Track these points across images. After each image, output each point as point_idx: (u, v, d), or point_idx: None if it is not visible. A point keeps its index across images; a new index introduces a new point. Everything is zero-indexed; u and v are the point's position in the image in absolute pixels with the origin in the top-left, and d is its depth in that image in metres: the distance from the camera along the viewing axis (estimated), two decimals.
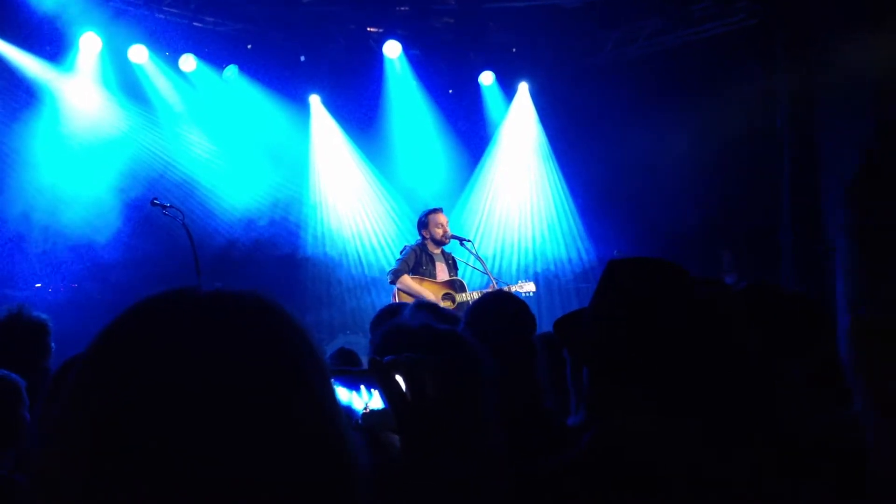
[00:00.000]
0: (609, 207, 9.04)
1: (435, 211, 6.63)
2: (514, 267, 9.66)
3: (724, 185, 8.31)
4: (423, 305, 2.86)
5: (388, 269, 6.80)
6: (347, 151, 9.62)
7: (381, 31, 9.09)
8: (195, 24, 8.34)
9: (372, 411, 1.28)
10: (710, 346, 1.25)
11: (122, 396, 0.70)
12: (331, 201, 9.52)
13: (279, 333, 0.78)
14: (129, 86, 8.20)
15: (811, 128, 7.77)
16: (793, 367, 1.82)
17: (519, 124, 9.91)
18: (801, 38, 7.76)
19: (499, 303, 2.72)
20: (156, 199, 5.74)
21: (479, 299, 2.85)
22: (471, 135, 9.88)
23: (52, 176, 7.50)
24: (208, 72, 8.55)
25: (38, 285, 7.32)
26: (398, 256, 6.64)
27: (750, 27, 8.30)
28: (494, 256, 9.55)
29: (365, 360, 1.39)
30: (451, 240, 6.61)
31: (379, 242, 9.61)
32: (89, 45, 7.76)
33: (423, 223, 6.59)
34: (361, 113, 9.45)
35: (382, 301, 8.07)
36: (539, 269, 9.67)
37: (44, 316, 3.41)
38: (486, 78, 9.62)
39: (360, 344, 6.93)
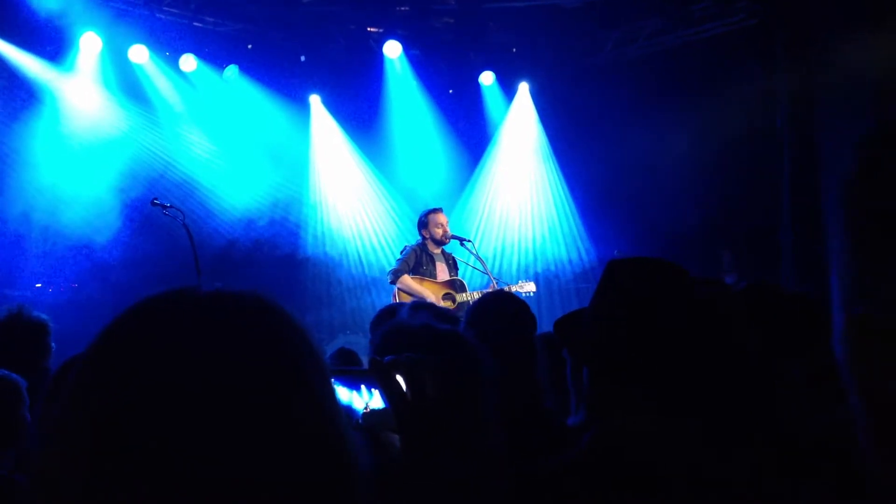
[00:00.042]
0: (609, 207, 9.04)
1: (435, 211, 6.63)
2: (514, 267, 9.66)
3: (724, 185, 8.31)
4: (420, 306, 2.86)
5: (388, 269, 6.80)
6: (347, 151, 9.62)
7: (381, 31, 9.09)
8: (195, 24, 8.34)
9: (372, 411, 1.28)
10: (710, 346, 1.25)
11: (122, 396, 0.70)
12: (331, 201, 9.52)
13: (279, 333, 0.78)
14: (129, 86, 8.20)
15: (811, 128, 7.77)
16: (793, 367, 1.82)
17: (519, 124, 9.91)
18: (801, 38, 7.76)
19: (499, 303, 2.72)
20: (156, 199, 5.74)
21: (480, 299, 2.85)
22: (471, 135, 9.88)
23: (52, 176, 7.50)
24: (208, 72, 8.55)
25: (39, 285, 7.32)
26: (398, 256, 6.64)
27: (750, 27, 8.30)
28: (494, 256, 9.55)
29: (365, 360, 1.39)
30: (452, 240, 6.61)
31: (379, 242, 9.61)
32: (89, 45, 7.76)
33: (423, 223, 6.59)
34: (361, 113, 9.45)
35: (382, 301, 8.07)
36: (539, 269, 9.68)
37: (44, 316, 3.41)
38: (486, 78, 9.62)
39: (361, 344, 6.93)
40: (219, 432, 0.70)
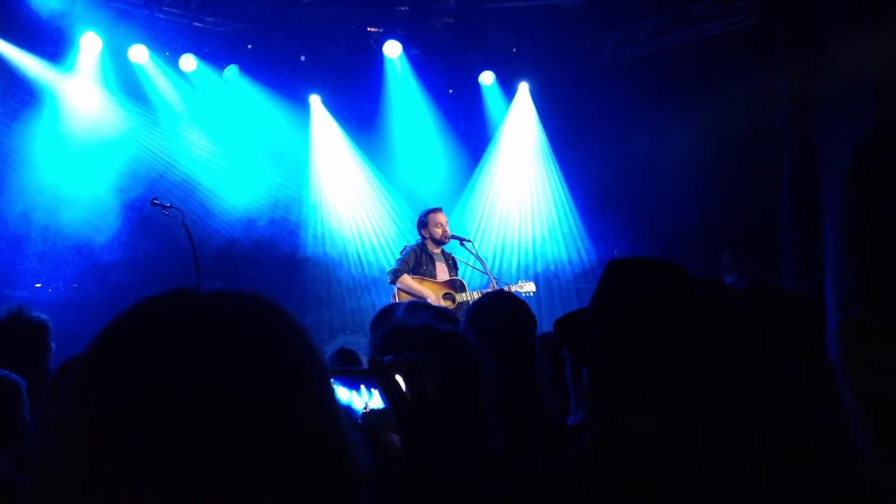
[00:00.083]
0: (609, 207, 9.04)
1: (434, 210, 6.62)
2: (514, 267, 9.66)
3: (724, 185, 8.31)
4: (416, 306, 2.86)
5: (388, 269, 6.80)
6: (347, 151, 9.62)
7: (381, 31, 9.09)
8: (195, 24, 8.34)
9: (372, 411, 1.28)
10: (710, 346, 1.25)
11: (122, 396, 0.70)
12: (331, 201, 9.52)
13: (279, 333, 0.78)
14: (129, 86, 8.20)
15: (811, 128, 7.77)
16: (793, 367, 1.82)
17: (519, 124, 9.91)
18: (801, 38, 7.77)
19: (499, 303, 2.72)
20: (156, 198, 5.73)
21: (480, 299, 2.85)
22: (471, 135, 9.88)
23: (52, 176, 7.50)
24: (208, 72, 8.55)
25: (38, 285, 7.32)
26: (398, 256, 6.64)
27: (750, 27, 8.30)
28: (494, 256, 9.55)
29: (365, 360, 1.39)
30: (451, 240, 6.61)
31: (379, 242, 9.61)
32: (89, 45, 7.76)
33: (423, 223, 6.58)
34: (361, 113, 9.45)
35: (382, 301, 8.07)
36: (539, 269, 9.68)
37: (44, 316, 3.41)
38: (486, 78, 9.62)
39: (360, 344, 6.93)
40: (219, 432, 0.70)
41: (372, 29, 9.09)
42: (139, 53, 8.11)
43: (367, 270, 9.48)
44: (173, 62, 8.37)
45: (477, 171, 10.02)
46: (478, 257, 6.54)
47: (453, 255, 6.81)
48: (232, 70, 8.58)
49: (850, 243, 0.61)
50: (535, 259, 9.79)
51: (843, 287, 0.61)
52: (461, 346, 1.44)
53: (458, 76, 9.62)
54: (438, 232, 6.48)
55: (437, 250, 6.60)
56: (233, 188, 8.70)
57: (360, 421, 1.29)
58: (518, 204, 9.92)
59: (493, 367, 1.45)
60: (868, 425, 0.60)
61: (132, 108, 8.29)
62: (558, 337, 1.56)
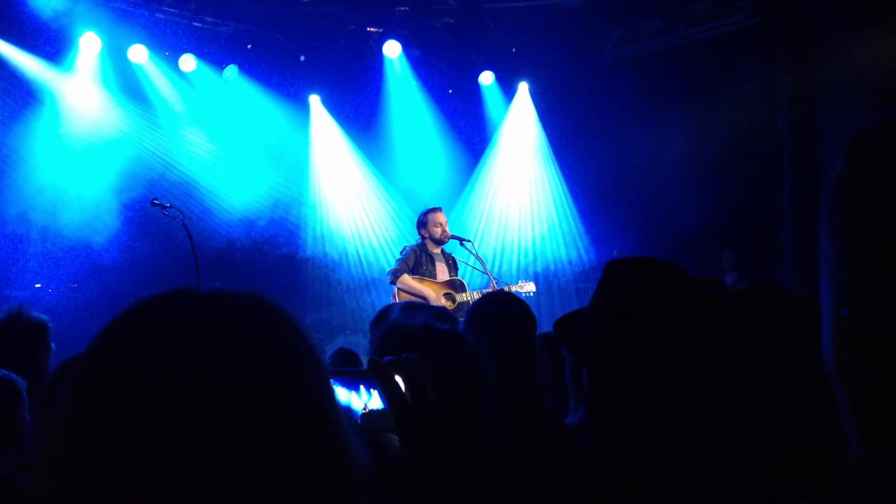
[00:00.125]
0: (609, 207, 9.04)
1: (434, 210, 6.62)
2: (514, 267, 9.66)
3: (725, 185, 8.31)
4: (412, 306, 2.85)
5: (388, 269, 6.79)
6: (347, 151, 9.62)
7: (381, 31, 9.09)
8: (195, 24, 8.34)
9: (371, 411, 1.28)
10: (710, 346, 1.25)
11: (122, 396, 0.70)
12: (331, 201, 9.52)
13: (279, 333, 0.78)
14: (129, 86, 8.20)
15: (811, 128, 7.78)
16: (793, 366, 1.82)
17: (519, 124, 9.91)
18: (802, 37, 7.77)
19: (499, 303, 2.72)
20: (156, 199, 5.73)
21: (480, 299, 2.85)
22: (471, 135, 9.88)
23: (52, 176, 7.50)
24: (208, 72, 8.55)
25: (38, 286, 7.32)
26: (398, 257, 6.63)
27: (750, 27, 8.31)
28: (494, 256, 9.55)
29: (365, 361, 1.39)
30: (451, 240, 6.60)
31: (379, 242, 9.61)
32: (89, 45, 7.76)
33: (422, 222, 6.58)
34: (361, 113, 9.44)
35: (382, 301, 8.07)
36: (539, 269, 9.68)
37: (44, 316, 3.40)
38: (486, 78, 9.62)
39: (361, 344, 6.93)
40: (218, 432, 0.70)
41: (372, 29, 9.09)
42: (139, 53, 8.11)
43: (366, 270, 9.48)
44: (173, 62, 8.37)
45: (477, 171, 10.02)
46: (478, 257, 6.54)
47: (453, 255, 6.80)
48: (231, 70, 8.58)
49: (843, 244, 0.61)
50: (535, 259, 9.79)
51: (836, 288, 0.61)
52: (461, 347, 1.44)
53: (457, 76, 9.62)
54: (438, 231, 6.48)
55: (437, 250, 6.59)
56: (233, 188, 8.70)
57: (359, 421, 1.29)
58: (518, 204, 9.92)
59: (493, 367, 1.45)
60: (860, 427, 0.60)
61: (132, 109, 8.28)
62: (558, 337, 1.56)
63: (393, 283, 6.40)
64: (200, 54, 8.39)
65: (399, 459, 1.24)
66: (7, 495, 1.99)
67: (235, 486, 0.69)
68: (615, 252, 8.30)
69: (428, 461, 1.19)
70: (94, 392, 0.72)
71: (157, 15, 8.02)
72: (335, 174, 9.56)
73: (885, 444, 0.58)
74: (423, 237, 6.57)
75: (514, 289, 6.46)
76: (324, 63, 9.01)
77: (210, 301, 0.78)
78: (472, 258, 6.57)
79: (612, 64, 9.32)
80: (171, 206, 5.68)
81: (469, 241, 6.63)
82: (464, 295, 6.45)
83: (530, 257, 9.80)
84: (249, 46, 8.66)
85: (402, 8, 8.86)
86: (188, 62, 8.36)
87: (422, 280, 6.41)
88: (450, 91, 9.74)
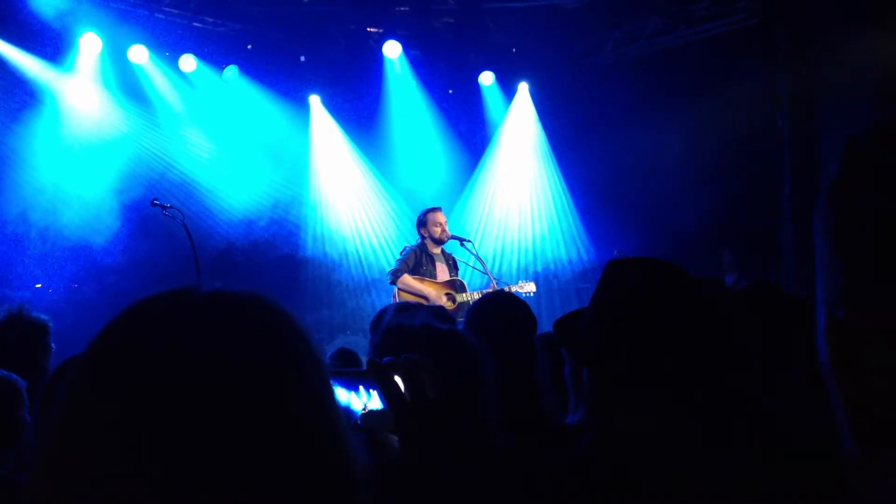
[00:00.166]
0: (609, 207, 9.04)
1: (433, 210, 6.61)
2: (513, 267, 9.66)
3: (725, 184, 8.31)
4: (406, 306, 2.85)
5: (388, 269, 6.79)
6: (347, 151, 9.62)
7: (381, 31, 9.09)
8: (195, 24, 8.34)
9: (370, 412, 1.28)
10: (710, 346, 1.25)
11: (122, 396, 0.70)
12: (331, 201, 9.52)
13: (279, 333, 0.78)
14: (129, 86, 8.20)
15: (811, 128, 7.78)
16: (793, 366, 1.82)
17: (519, 124, 9.91)
18: (802, 37, 7.77)
19: (499, 303, 2.71)
20: (156, 199, 5.73)
21: (480, 299, 2.85)
22: (471, 135, 9.88)
23: (52, 176, 7.50)
24: (208, 72, 8.55)
25: (38, 286, 7.32)
26: (398, 257, 6.63)
27: (750, 27, 8.31)
28: (494, 256, 9.55)
29: (365, 361, 1.39)
30: (451, 240, 6.60)
31: (379, 242, 9.61)
32: (89, 45, 7.76)
33: (422, 222, 6.57)
34: (361, 113, 9.45)
35: (382, 301, 8.07)
36: (539, 269, 9.68)
37: (44, 316, 3.40)
38: (486, 78, 9.62)
39: (361, 344, 6.93)
40: (218, 432, 0.70)
41: (372, 29, 9.09)
42: (139, 54, 8.11)
43: (367, 271, 9.48)
44: (173, 62, 8.37)
45: (477, 171, 10.02)
46: (478, 257, 6.54)
47: (453, 255, 6.80)
48: (232, 70, 8.58)
49: (837, 245, 0.61)
50: (535, 259, 9.79)
51: (831, 289, 0.61)
52: (461, 347, 1.44)
53: (458, 76, 9.62)
54: (437, 231, 6.47)
55: (437, 250, 6.59)
56: (233, 188, 8.70)
57: (358, 422, 1.29)
58: (518, 204, 9.92)
59: (493, 367, 1.45)
60: (854, 426, 0.60)
61: (132, 109, 8.28)
62: (558, 337, 1.56)
63: (393, 283, 6.40)
64: (200, 54, 8.40)
65: (399, 460, 1.24)
66: (7, 495, 1.99)
67: (235, 486, 0.69)
68: (615, 252, 8.30)
69: (428, 461, 1.19)
70: (94, 392, 0.72)
71: (157, 15, 8.02)
72: (335, 174, 9.56)
73: (880, 444, 0.58)
74: (422, 237, 6.57)
75: (514, 289, 6.46)
76: (324, 63, 9.01)
77: (210, 301, 0.78)
78: (473, 258, 6.57)
79: (612, 64, 9.33)
80: (171, 207, 5.68)
81: (469, 241, 6.63)
82: (464, 295, 6.45)
83: (530, 257, 9.80)
84: (249, 46, 8.66)
85: (402, 8, 8.86)
86: (188, 62, 8.37)
87: (422, 280, 6.40)
88: (450, 91, 9.75)
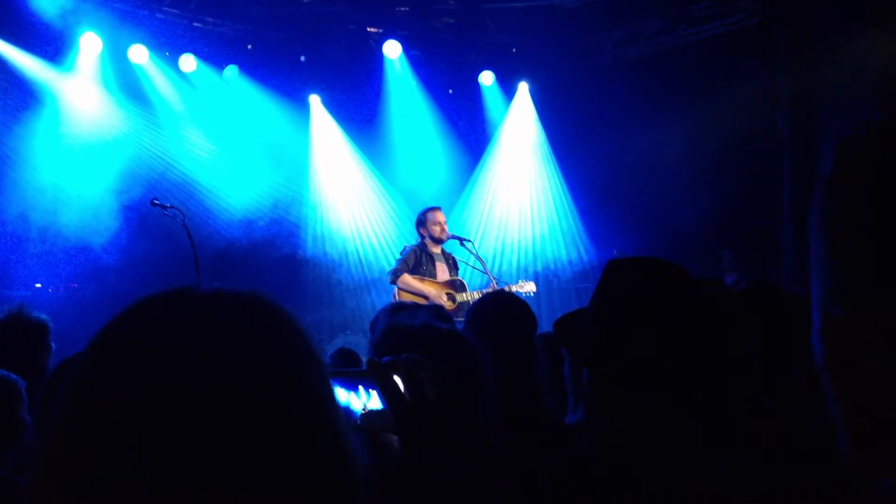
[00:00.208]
0: (609, 207, 9.04)
1: (433, 209, 6.61)
2: (513, 267, 9.67)
3: (725, 185, 8.31)
4: (401, 307, 2.85)
5: (388, 269, 6.79)
6: (347, 151, 9.62)
7: (381, 31, 9.09)
8: (195, 24, 8.34)
9: (370, 412, 1.28)
10: (710, 346, 1.25)
11: (122, 396, 0.70)
12: (331, 201, 9.53)
13: (279, 333, 0.78)
14: (129, 86, 8.20)
15: (811, 128, 7.78)
16: (793, 367, 1.82)
17: (519, 124, 9.92)
18: (802, 37, 7.77)
19: (499, 303, 2.71)
20: (156, 199, 5.73)
21: (480, 299, 2.84)
22: (471, 135, 9.88)
23: (52, 176, 7.50)
24: (208, 72, 8.55)
25: (38, 285, 7.32)
26: (398, 256, 6.63)
27: (750, 27, 8.31)
28: (494, 256, 9.55)
29: (365, 360, 1.39)
30: (451, 239, 6.60)
31: (379, 242, 9.61)
32: (89, 45, 7.76)
33: (421, 221, 6.57)
34: (361, 113, 9.45)
35: (382, 301, 8.06)
36: (539, 269, 9.68)
37: (44, 316, 3.40)
38: (486, 78, 9.62)
39: (361, 344, 6.93)
40: (218, 432, 0.70)
41: (372, 29, 9.09)
42: (139, 53, 8.11)
43: (367, 270, 9.48)
44: (173, 62, 8.37)
45: (477, 171, 10.02)
46: (478, 257, 6.54)
47: (453, 255, 6.80)
48: (232, 70, 8.58)
49: (831, 243, 0.61)
50: (535, 259, 9.79)
51: (826, 287, 0.61)
52: (461, 347, 1.44)
53: (458, 76, 9.62)
54: (437, 230, 6.47)
55: (437, 250, 6.58)
56: (233, 188, 8.70)
57: (358, 422, 1.28)
58: (518, 204, 9.92)
59: (493, 367, 1.45)
60: (849, 424, 0.60)
61: (132, 109, 8.29)
62: (558, 337, 1.56)
63: (393, 282, 6.40)
64: (200, 54, 8.40)
65: (398, 459, 1.24)
66: (7, 495, 1.99)
67: (235, 486, 0.69)
68: (615, 252, 8.30)
69: (427, 461, 1.19)
70: (94, 392, 0.72)
71: (157, 15, 8.03)
72: (335, 174, 9.56)
73: (875, 442, 0.58)
74: (421, 236, 6.57)
75: (514, 288, 6.46)
76: (324, 63, 9.01)
77: (210, 301, 0.78)
78: (473, 258, 6.57)
79: (612, 64, 9.33)
80: (171, 207, 5.68)
81: (469, 240, 6.63)
82: (464, 295, 6.45)
83: (530, 257, 9.80)
84: (249, 46, 8.66)
85: (403, 8, 8.86)
86: (188, 62, 8.37)
87: (422, 280, 6.40)
88: (450, 91, 9.75)
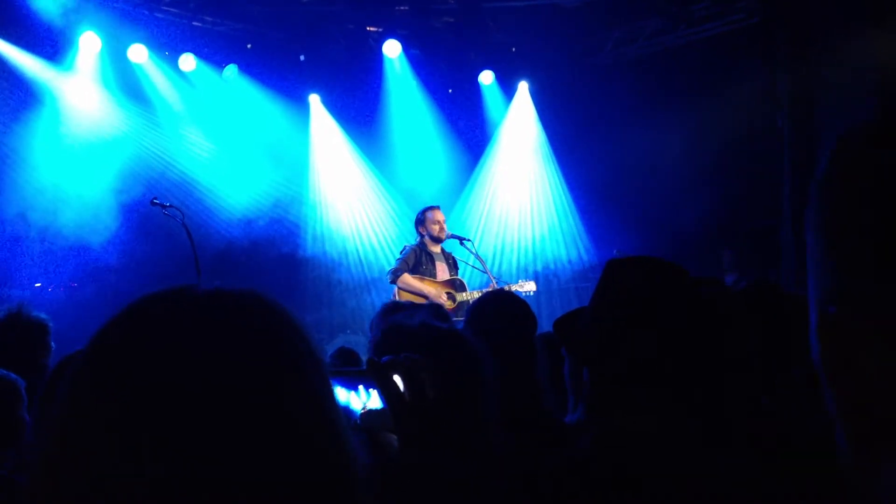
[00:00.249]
0: (609, 207, 9.04)
1: (432, 208, 6.62)
2: (514, 266, 9.67)
3: (725, 185, 8.31)
4: (397, 307, 2.84)
5: (388, 268, 6.79)
6: (347, 151, 9.62)
7: (380, 30, 9.09)
8: (195, 23, 8.34)
9: (370, 411, 1.28)
10: (710, 346, 1.25)
11: (121, 396, 0.70)
12: (330, 201, 9.53)
13: (279, 333, 0.78)
14: (128, 85, 8.20)
15: (811, 128, 7.78)
16: (793, 367, 1.82)
17: (519, 124, 9.92)
18: (802, 37, 7.77)
19: (499, 302, 2.71)
20: (156, 198, 5.73)
21: (480, 298, 2.84)
22: (471, 135, 9.88)
23: (52, 176, 7.49)
24: (208, 71, 8.55)
25: (38, 285, 7.31)
26: (398, 256, 6.63)
27: (750, 27, 8.31)
28: (494, 256, 9.56)
29: (365, 360, 1.39)
30: (451, 239, 6.60)
31: (379, 242, 9.61)
32: (89, 44, 7.75)
33: (420, 220, 6.58)
34: (361, 112, 9.45)
35: (382, 301, 8.02)
36: (539, 269, 9.68)
37: (44, 315, 3.40)
38: (486, 77, 9.62)
39: (361, 344, 6.93)
40: (218, 432, 0.70)
41: (372, 28, 9.09)
42: (138, 53, 8.10)
43: (366, 270, 9.48)
44: (173, 62, 8.36)
45: (477, 170, 10.02)
46: (478, 257, 6.54)
47: (453, 254, 6.80)
48: (231, 70, 8.58)
49: (828, 242, 0.61)
50: (535, 258, 9.79)
51: (822, 286, 0.61)
52: (461, 346, 1.44)
53: (457, 76, 9.62)
54: (436, 229, 6.47)
55: (437, 249, 6.59)
56: (232, 188, 8.70)
57: (358, 421, 1.28)
58: (518, 203, 9.92)
59: (493, 366, 1.45)
60: (847, 424, 0.60)
61: (131, 108, 8.28)
62: (558, 336, 1.56)
63: (393, 282, 6.40)
64: (200, 54, 8.39)
65: (398, 459, 1.24)
66: (7, 495, 1.99)
67: (235, 486, 0.69)
68: (615, 252, 8.30)
69: (427, 461, 1.18)
70: (94, 392, 0.72)
71: (156, 14, 8.02)
72: (335, 174, 9.56)
73: (875, 442, 0.58)
74: (420, 235, 6.57)
75: (514, 288, 6.46)
76: (324, 63, 9.00)
77: (210, 300, 0.77)
78: (472, 257, 6.57)
79: (612, 64, 9.33)
80: (170, 206, 5.68)
81: (469, 240, 6.63)
82: (464, 294, 6.45)
83: (530, 257, 9.80)
84: (249, 46, 8.66)
85: (402, 7, 8.86)
86: (188, 62, 8.37)
87: (422, 279, 6.40)
88: (450, 91, 9.74)
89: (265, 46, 8.65)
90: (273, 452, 0.71)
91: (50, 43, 7.51)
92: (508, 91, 9.80)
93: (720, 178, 8.35)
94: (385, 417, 1.23)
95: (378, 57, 9.14)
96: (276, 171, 9.04)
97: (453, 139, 9.71)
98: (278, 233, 9.04)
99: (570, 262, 9.74)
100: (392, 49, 9.02)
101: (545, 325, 4.41)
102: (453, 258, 6.74)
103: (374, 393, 1.27)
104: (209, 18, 8.43)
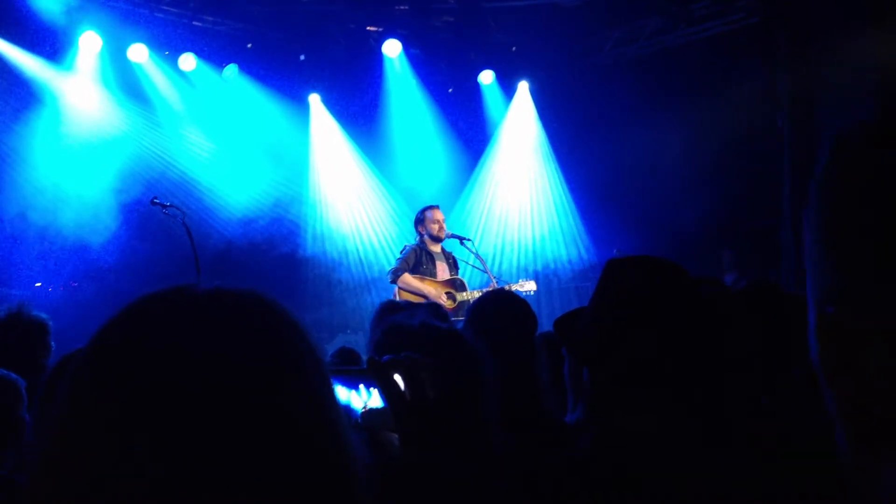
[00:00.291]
0: (609, 207, 9.04)
1: (431, 207, 6.62)
2: (514, 266, 9.67)
3: (725, 184, 8.31)
4: (394, 307, 2.84)
5: (388, 268, 6.79)
6: (347, 151, 9.62)
7: (380, 30, 9.09)
8: (195, 23, 8.34)
9: (371, 410, 1.28)
10: (710, 346, 1.25)
11: (121, 396, 0.70)
12: (330, 200, 9.53)
13: (279, 332, 0.78)
14: (128, 85, 8.20)
15: (811, 128, 7.78)
16: (793, 367, 1.82)
17: (519, 123, 9.92)
18: (802, 37, 7.77)
19: (499, 302, 2.71)
20: (156, 198, 5.73)
21: (480, 298, 2.84)
22: (471, 134, 9.88)
23: (52, 176, 7.49)
24: (208, 71, 8.55)
25: (38, 284, 7.31)
26: (398, 256, 6.63)
27: (750, 26, 8.31)
28: (494, 255, 9.56)
29: (366, 359, 1.39)
30: (451, 238, 6.61)
31: (379, 242, 9.61)
32: (89, 44, 7.75)
33: (420, 219, 6.58)
34: (361, 112, 9.45)
35: (383, 300, 8.05)
36: (539, 269, 9.68)
37: (44, 315, 3.40)
38: (486, 77, 9.62)
39: (361, 343, 6.94)
40: (218, 432, 0.70)
41: (372, 28, 9.09)
42: (138, 53, 8.10)
43: (366, 270, 9.49)
44: (173, 61, 8.36)
45: (477, 170, 10.02)
46: (478, 256, 6.54)
47: (453, 254, 6.80)
48: (231, 69, 8.58)
49: (826, 242, 0.61)
50: (535, 258, 9.79)
51: (821, 286, 0.61)
52: (461, 346, 1.44)
53: (457, 75, 9.62)
54: (435, 228, 6.47)
55: (437, 249, 6.59)
56: (232, 187, 8.70)
57: (359, 420, 1.29)
58: (518, 203, 9.92)
59: (493, 366, 1.45)
60: (846, 423, 0.60)
61: (132, 108, 8.28)
62: (558, 336, 1.56)
63: (393, 282, 6.40)
64: (200, 53, 8.39)
65: (399, 458, 1.24)
66: (7, 495, 1.99)
67: (235, 486, 0.69)
68: (615, 252, 8.29)
69: (427, 460, 1.19)
70: (94, 391, 0.72)
71: (157, 14, 8.02)
72: (335, 173, 9.56)
73: (873, 441, 0.58)
74: (420, 234, 6.57)
75: (514, 287, 6.46)
76: (324, 62, 9.01)
77: (209, 299, 0.77)
78: (473, 257, 6.57)
79: (612, 63, 9.33)
80: (170, 205, 5.68)
81: (469, 239, 6.64)
82: (464, 294, 6.45)
83: (530, 256, 9.80)
84: (249, 46, 8.66)
85: (402, 7, 8.86)
86: (188, 61, 8.36)
87: (422, 279, 6.40)
88: (450, 90, 9.74)
89: (265, 46, 8.65)
90: (273, 452, 0.71)
91: (50, 42, 7.51)
92: (508, 91, 9.80)
93: (720, 178, 8.35)
94: (386, 416, 1.23)
95: (378, 57, 9.14)
96: (275, 170, 9.04)
97: (453, 139, 9.71)
98: (278, 232, 9.04)
99: (570, 261, 9.74)
100: (392, 49, 9.02)
101: (545, 324, 4.41)
102: (453, 258, 6.74)
103: (374, 392, 1.27)
104: (209, 18, 8.43)
